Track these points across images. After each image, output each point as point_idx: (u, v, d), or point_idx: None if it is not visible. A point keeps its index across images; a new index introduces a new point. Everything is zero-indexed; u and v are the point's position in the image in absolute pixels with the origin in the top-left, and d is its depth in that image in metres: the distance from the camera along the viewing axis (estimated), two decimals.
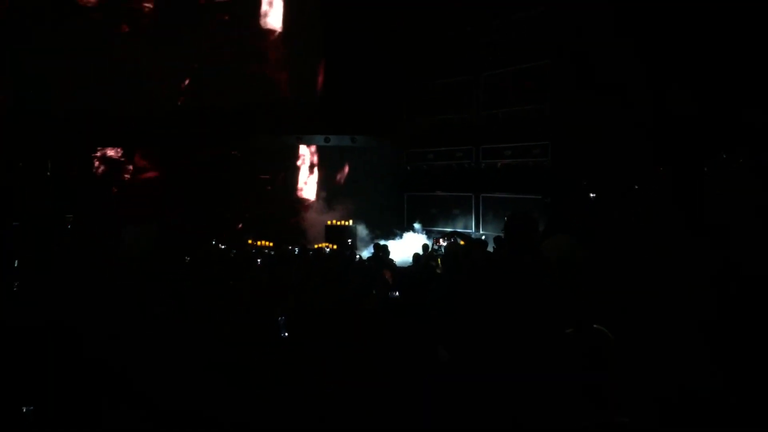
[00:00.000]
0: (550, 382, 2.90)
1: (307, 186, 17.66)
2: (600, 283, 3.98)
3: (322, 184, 17.58)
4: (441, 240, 13.57)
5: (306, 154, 17.71)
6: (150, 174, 16.29)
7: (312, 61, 17.33)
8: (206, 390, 3.88)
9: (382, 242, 12.45)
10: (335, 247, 13.93)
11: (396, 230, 15.57)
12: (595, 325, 3.60)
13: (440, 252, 11.51)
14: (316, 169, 17.78)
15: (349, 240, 14.66)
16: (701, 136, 8.87)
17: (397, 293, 5.88)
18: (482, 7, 14.35)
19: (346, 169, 17.49)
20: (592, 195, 9.99)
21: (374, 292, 6.31)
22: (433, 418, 3.02)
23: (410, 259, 10.17)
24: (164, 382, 3.99)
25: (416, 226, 15.51)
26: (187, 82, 16.70)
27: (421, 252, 10.95)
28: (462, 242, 11.80)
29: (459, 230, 14.75)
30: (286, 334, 4.58)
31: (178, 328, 5.03)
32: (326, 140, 16.90)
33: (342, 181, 17.48)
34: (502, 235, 8.96)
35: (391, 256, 11.07)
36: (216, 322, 5.21)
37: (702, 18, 9.30)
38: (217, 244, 13.76)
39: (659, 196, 8.82)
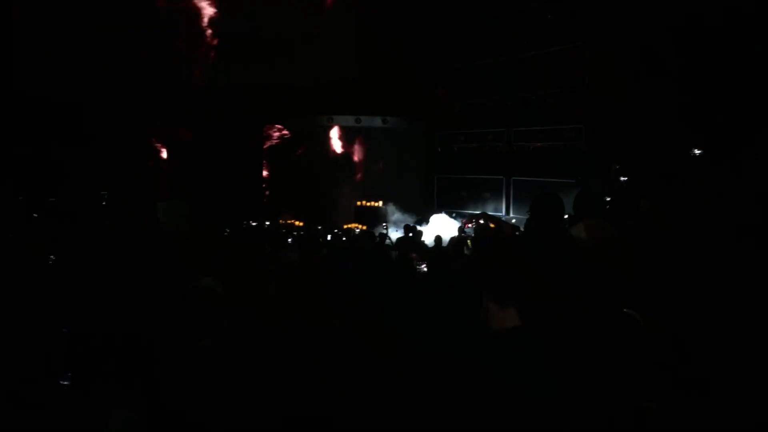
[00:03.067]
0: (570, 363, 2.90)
1: (338, 166, 17.69)
2: (633, 269, 3.94)
3: (352, 165, 17.59)
4: (469, 223, 13.48)
5: (337, 134, 17.71)
6: (180, 151, 16.53)
7: (345, 41, 17.28)
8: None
9: (412, 224, 12.48)
10: (365, 227, 14.00)
11: (423, 214, 15.47)
12: (625, 309, 3.57)
13: (469, 234, 11.47)
14: (346, 150, 17.79)
15: (384, 224, 14.63)
16: (742, 116, 8.65)
17: (425, 267, 5.93)
18: None
19: (377, 150, 17.47)
20: (623, 179, 9.86)
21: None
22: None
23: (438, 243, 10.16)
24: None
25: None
26: (218, 59, 16.81)
27: (456, 234, 10.94)
28: (492, 225, 11.71)
29: (488, 213, 14.66)
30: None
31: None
32: (357, 121, 16.90)
33: (372, 162, 17.47)
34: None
35: (423, 238, 11.11)
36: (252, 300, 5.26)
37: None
38: (248, 222, 13.92)
39: (696, 181, 8.64)
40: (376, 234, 11.64)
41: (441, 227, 13.61)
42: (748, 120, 8.61)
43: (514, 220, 13.52)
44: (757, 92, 8.74)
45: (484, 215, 10.90)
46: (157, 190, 15.68)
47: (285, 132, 17.29)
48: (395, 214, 15.36)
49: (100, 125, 15.28)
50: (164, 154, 16.69)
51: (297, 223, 14.70)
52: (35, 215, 12.75)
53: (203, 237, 10.75)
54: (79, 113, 14.98)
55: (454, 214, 15.23)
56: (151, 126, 16.79)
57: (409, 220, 14.25)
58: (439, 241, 10.05)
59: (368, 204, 15.75)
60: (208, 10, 16.79)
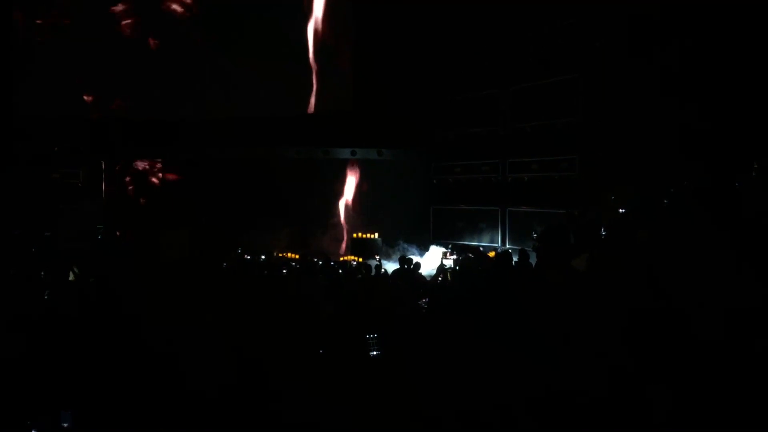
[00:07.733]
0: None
1: (333, 198, 17.72)
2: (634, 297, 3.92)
3: (348, 197, 17.63)
4: (449, 254, 13.41)
5: (332, 166, 17.76)
6: (179, 181, 16.59)
7: (341, 74, 17.44)
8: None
9: (408, 256, 12.43)
10: (361, 260, 13.95)
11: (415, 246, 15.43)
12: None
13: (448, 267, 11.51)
14: (342, 182, 17.83)
15: (377, 256, 14.61)
16: (733, 146, 8.71)
17: (425, 302, 5.91)
18: (511, 21, 14.34)
19: (373, 182, 17.52)
20: (621, 210, 9.85)
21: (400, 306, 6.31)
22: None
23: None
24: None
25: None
26: (215, 90, 16.92)
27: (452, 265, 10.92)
28: (471, 255, 11.73)
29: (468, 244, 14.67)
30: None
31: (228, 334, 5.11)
32: (353, 153, 16.96)
33: (368, 194, 17.49)
34: (527, 248, 8.91)
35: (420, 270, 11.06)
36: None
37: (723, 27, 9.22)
38: (243, 253, 13.85)
39: (689, 209, 8.65)
40: (373, 265, 11.61)
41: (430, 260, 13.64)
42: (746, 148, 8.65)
43: (510, 251, 13.50)
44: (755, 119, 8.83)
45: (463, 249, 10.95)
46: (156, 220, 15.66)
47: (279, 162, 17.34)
48: (391, 246, 15.34)
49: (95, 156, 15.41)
50: (163, 184, 16.73)
51: (292, 255, 14.64)
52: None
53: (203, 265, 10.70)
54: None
55: (450, 246, 15.20)
56: (154, 156, 16.88)
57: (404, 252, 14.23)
58: (443, 272, 10.00)
59: (364, 236, 15.72)
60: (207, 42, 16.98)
